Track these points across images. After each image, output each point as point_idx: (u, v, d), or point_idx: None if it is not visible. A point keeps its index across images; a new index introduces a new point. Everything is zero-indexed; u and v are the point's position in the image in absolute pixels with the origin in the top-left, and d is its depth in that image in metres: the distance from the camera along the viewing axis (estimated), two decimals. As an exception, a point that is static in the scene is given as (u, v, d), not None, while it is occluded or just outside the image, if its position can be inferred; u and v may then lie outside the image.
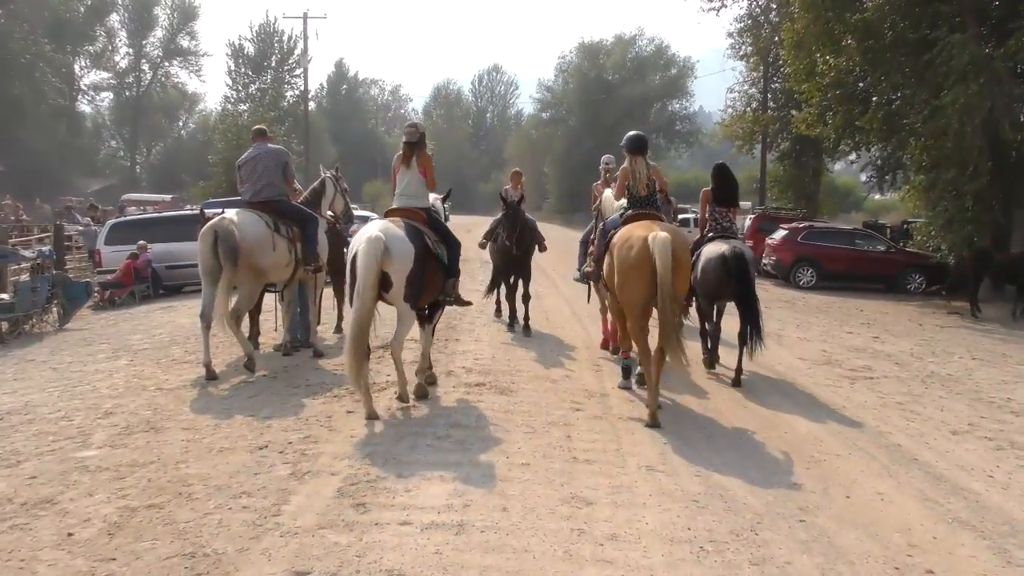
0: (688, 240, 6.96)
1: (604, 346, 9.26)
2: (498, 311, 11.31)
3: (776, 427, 6.44)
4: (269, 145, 8.25)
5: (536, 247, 10.50)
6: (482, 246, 11.03)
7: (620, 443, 5.74)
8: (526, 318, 10.26)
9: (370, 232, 6.07)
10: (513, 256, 9.91)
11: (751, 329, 7.47)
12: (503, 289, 10.75)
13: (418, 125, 7.03)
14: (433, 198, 7.11)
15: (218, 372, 7.57)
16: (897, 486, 5.20)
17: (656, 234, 6.17)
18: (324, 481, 4.82)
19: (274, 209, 7.91)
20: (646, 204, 6.99)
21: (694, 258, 7.89)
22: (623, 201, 7.19)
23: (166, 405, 6.57)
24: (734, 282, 7.62)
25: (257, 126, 8.95)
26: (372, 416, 6.06)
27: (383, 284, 6.04)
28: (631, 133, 7.25)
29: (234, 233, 7.35)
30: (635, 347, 6.69)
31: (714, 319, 8.44)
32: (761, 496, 4.85)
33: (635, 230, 6.45)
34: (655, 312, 6.17)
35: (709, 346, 8.48)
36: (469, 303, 7.71)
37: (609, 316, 8.65)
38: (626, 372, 7.41)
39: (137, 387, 7.24)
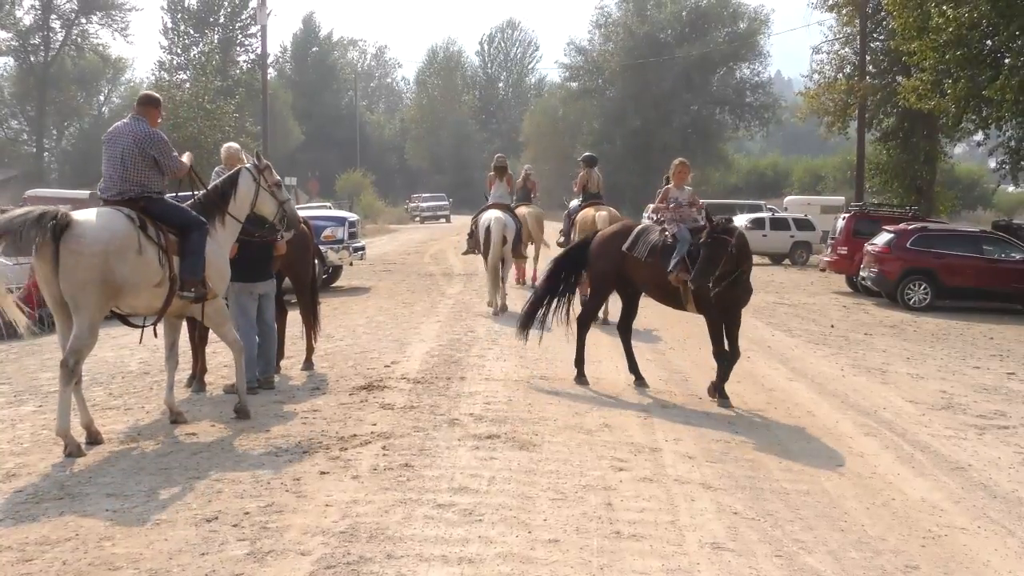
0: (617, 215, 14.14)
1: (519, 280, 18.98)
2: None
3: (880, 492, 6.43)
4: (135, 122, 7.63)
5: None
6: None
7: (676, 513, 5.76)
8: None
9: (495, 215, 15.07)
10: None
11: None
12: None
13: (498, 158, 16.73)
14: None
15: (151, 419, 7.61)
16: (1042, 570, 5.18)
17: (600, 212, 14.41)
18: (292, 563, 4.85)
19: (142, 208, 7.44)
20: (596, 198, 15.80)
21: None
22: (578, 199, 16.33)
23: (86, 464, 6.61)
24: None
25: (144, 91, 8.43)
26: (497, 310, 14.63)
27: (504, 242, 14.85)
28: (588, 154, 17.17)
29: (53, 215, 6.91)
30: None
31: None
32: (862, 583, 4.84)
33: (589, 211, 14.87)
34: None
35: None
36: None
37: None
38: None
39: (48, 441, 7.27)
